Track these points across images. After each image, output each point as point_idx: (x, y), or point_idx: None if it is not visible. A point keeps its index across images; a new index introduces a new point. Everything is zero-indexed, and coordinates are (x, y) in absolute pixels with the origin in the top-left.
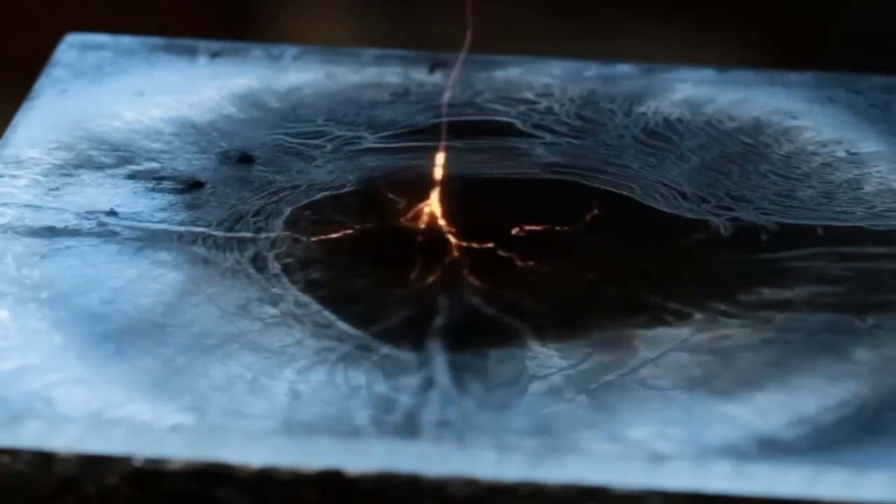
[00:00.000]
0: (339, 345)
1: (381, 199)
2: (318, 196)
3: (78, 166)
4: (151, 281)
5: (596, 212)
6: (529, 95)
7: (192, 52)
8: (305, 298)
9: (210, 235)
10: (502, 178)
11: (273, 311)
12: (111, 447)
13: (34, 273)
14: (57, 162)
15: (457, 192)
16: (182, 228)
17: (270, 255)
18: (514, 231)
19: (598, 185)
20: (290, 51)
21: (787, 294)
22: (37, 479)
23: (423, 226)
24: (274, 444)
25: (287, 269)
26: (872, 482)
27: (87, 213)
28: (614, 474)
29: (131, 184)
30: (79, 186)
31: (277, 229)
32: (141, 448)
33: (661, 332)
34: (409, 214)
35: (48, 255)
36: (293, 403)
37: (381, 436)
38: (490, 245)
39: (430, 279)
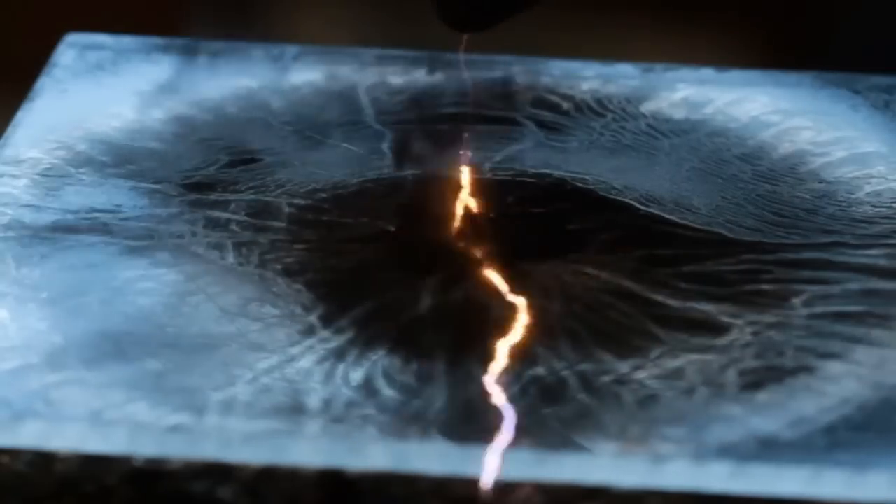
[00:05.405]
0: (340, 345)
1: (384, 199)
2: (319, 196)
3: (78, 166)
4: (151, 281)
5: (591, 215)
6: (529, 95)
7: (192, 52)
8: (306, 298)
9: (210, 235)
10: (501, 179)
11: (273, 311)
12: (111, 447)
13: (34, 273)
14: (57, 162)
15: (461, 191)
16: (182, 228)
17: (270, 255)
18: (516, 231)
19: (595, 186)
20: (291, 51)
21: (787, 294)
22: (37, 479)
23: (429, 226)
24: (274, 444)
25: (287, 269)
26: (872, 482)
27: (87, 212)
28: (614, 474)
29: (131, 184)
30: (79, 186)
31: (278, 229)
32: (141, 448)
33: (660, 332)
34: (415, 215)
35: (48, 255)
36: (293, 403)
37: (381, 436)
38: (495, 244)
39: (434, 279)
